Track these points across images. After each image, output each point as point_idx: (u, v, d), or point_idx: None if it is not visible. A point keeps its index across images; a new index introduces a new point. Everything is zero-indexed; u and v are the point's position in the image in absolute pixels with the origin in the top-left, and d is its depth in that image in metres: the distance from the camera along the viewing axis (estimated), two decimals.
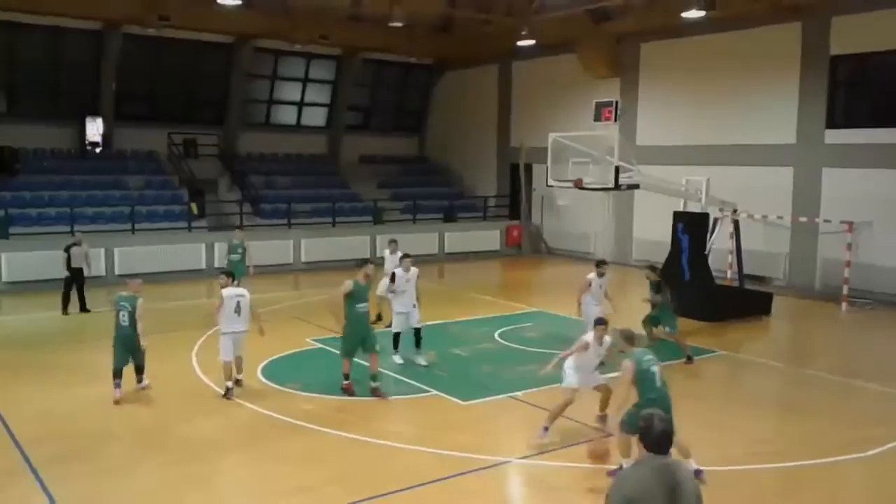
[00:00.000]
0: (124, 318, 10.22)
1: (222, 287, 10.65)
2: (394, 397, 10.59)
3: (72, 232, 19.82)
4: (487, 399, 10.58)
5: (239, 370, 10.69)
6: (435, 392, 10.79)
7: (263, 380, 11.23)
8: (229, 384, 10.36)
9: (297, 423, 9.37)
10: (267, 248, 21.96)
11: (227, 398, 10.21)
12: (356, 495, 7.37)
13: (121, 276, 19.67)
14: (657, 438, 3.87)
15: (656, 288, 12.72)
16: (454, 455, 8.42)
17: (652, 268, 13.16)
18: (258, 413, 9.82)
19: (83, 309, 16.04)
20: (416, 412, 10.02)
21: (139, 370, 10.56)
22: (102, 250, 19.67)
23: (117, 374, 10.16)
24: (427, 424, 9.48)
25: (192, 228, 22.03)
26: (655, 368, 7.56)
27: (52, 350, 13.22)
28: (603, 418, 9.28)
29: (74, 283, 16.00)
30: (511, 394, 10.70)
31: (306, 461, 8.37)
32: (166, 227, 21.80)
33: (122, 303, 10.28)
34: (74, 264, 15.93)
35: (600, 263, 13.03)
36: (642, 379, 7.47)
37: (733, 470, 8.18)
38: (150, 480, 7.80)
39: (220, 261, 21.22)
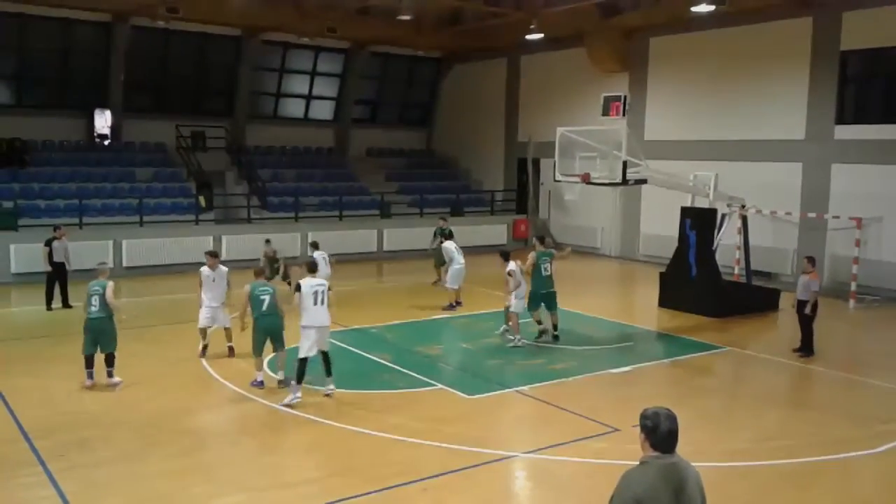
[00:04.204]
0: (94, 303, 10.45)
1: (210, 267, 12.05)
2: (400, 390, 10.61)
3: (80, 225, 19.94)
4: (493, 393, 10.59)
5: (229, 339, 12.11)
6: (441, 386, 10.80)
7: (270, 373, 11.24)
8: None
9: (303, 416, 9.40)
10: (274, 241, 21.92)
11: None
12: (361, 488, 7.38)
13: (129, 268, 19.85)
14: (664, 437, 3.83)
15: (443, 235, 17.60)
16: (460, 449, 8.42)
17: (443, 217, 19.66)
18: (264, 405, 9.85)
19: (65, 304, 15.68)
20: (422, 405, 10.02)
21: (107, 360, 10.59)
22: (111, 242, 19.76)
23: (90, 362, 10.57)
24: (433, 418, 9.47)
25: (200, 221, 22.08)
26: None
27: (60, 341, 13.26)
28: None
29: (57, 278, 15.61)
30: (517, 388, 10.70)
31: (312, 453, 8.40)
32: (174, 219, 21.84)
33: (94, 287, 10.51)
34: (57, 258, 15.55)
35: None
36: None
37: (741, 466, 8.17)
38: (156, 471, 7.83)
39: (228, 253, 21.35)
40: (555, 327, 13.43)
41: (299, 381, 9.80)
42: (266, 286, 10.57)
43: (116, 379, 10.58)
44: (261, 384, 10.46)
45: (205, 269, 12.02)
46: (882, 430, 9.29)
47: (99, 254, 19.21)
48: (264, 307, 10.39)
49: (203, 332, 12.08)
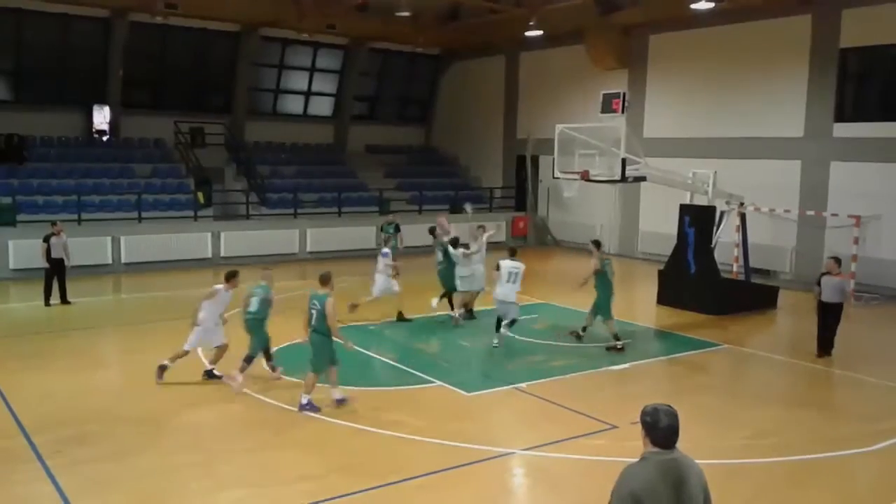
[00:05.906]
0: (253, 305, 10.52)
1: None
2: (399, 387, 10.62)
3: (78, 221, 19.93)
4: (491, 390, 10.60)
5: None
6: (439, 383, 10.81)
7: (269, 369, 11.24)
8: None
9: (302, 413, 9.40)
10: (273, 237, 22.03)
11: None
12: (360, 484, 7.40)
13: (127, 264, 19.84)
14: (664, 433, 3.83)
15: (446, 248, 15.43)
16: (458, 445, 8.44)
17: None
18: (263, 402, 9.86)
19: (64, 300, 15.68)
20: (421, 403, 10.03)
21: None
22: (109, 238, 19.75)
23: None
24: (431, 415, 9.49)
25: (199, 217, 22.06)
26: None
27: (58, 336, 13.28)
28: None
29: (56, 274, 15.61)
30: (515, 385, 10.71)
31: (310, 450, 8.41)
32: (172, 215, 21.82)
33: (255, 289, 10.61)
34: (55, 254, 15.54)
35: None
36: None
37: (738, 463, 8.19)
38: (155, 467, 7.84)
39: (226, 250, 21.31)
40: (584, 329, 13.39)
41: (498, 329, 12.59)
42: (318, 296, 9.49)
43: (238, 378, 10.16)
44: (311, 407, 9.39)
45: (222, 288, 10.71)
46: (879, 428, 9.32)
47: (97, 249, 19.32)
48: (313, 321, 9.54)
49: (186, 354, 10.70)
